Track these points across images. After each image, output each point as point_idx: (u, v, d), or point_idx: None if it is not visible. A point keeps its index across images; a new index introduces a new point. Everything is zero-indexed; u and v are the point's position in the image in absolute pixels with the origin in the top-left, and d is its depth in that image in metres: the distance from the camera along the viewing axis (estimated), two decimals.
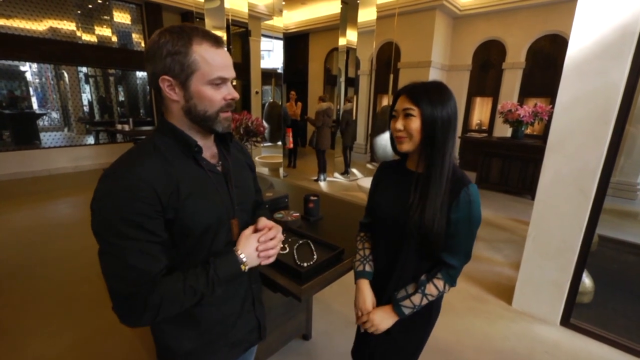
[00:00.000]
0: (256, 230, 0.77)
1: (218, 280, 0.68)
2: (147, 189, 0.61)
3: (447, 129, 0.81)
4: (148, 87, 6.50)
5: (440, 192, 0.82)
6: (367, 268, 0.98)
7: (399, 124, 0.84)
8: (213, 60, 0.64)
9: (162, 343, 0.76)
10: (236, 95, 0.70)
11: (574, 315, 2.03)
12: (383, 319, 0.91)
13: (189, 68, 0.63)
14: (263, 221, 0.78)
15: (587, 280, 2.15)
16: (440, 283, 0.88)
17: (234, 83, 6.02)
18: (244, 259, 0.71)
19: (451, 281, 0.88)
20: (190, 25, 0.65)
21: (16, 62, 5.25)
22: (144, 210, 0.60)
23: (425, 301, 0.88)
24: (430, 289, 0.87)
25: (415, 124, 0.81)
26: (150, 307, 0.62)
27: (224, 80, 0.67)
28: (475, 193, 0.84)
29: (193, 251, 0.70)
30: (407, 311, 0.88)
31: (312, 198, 1.43)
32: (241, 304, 0.82)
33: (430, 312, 0.97)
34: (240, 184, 0.80)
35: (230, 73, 0.68)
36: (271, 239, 0.75)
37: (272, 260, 0.77)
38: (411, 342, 0.99)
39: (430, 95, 0.81)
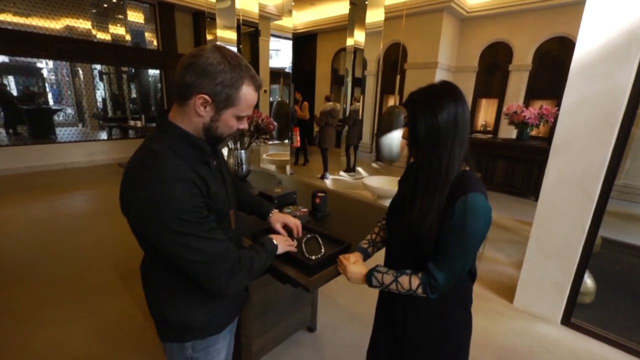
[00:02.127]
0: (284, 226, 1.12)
1: (265, 252, 0.89)
2: (196, 187, 0.71)
3: (435, 137, 0.79)
4: (159, 85, 6.62)
5: (426, 195, 0.81)
6: (369, 249, 1.05)
7: (404, 132, 0.89)
8: (250, 102, 0.76)
9: (180, 324, 0.83)
10: (247, 127, 0.85)
11: (575, 314, 2.06)
12: (354, 273, 0.95)
13: (232, 102, 0.73)
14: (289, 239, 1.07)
15: (588, 281, 2.17)
16: (415, 282, 0.84)
17: None
18: (277, 245, 0.97)
19: (429, 290, 0.82)
20: (245, 63, 0.74)
21: (34, 59, 5.41)
22: (200, 202, 0.71)
23: (393, 287, 0.87)
24: (403, 280, 0.86)
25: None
26: (247, 266, 0.79)
27: (247, 116, 0.79)
28: (476, 203, 0.75)
29: None
30: (374, 282, 0.91)
31: (319, 194, 1.47)
32: None
33: (446, 330, 0.92)
34: (228, 178, 0.92)
35: (251, 111, 0.80)
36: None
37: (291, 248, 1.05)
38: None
39: (415, 105, 0.81)
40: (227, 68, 0.69)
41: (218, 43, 0.71)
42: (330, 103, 5.57)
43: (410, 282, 0.85)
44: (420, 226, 0.81)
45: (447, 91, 0.80)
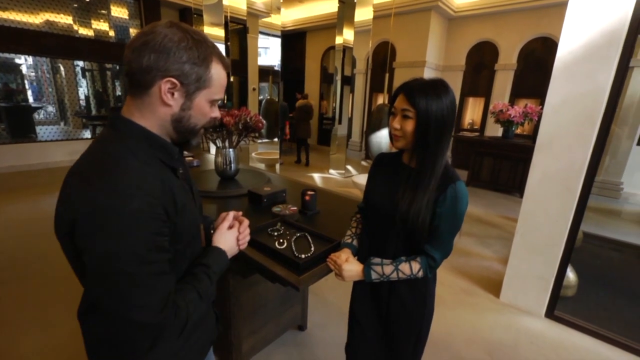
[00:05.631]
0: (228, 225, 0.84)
1: (215, 278, 0.72)
2: (157, 203, 0.56)
3: (441, 130, 0.83)
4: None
5: (428, 190, 0.85)
6: (355, 243, 1.07)
7: (396, 123, 0.86)
8: (222, 82, 0.66)
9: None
10: (220, 116, 0.74)
11: (558, 307, 2.12)
12: (351, 271, 0.96)
13: (204, 83, 0.62)
14: (230, 215, 0.84)
15: (571, 275, 2.24)
16: (416, 266, 0.90)
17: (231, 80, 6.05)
18: (227, 252, 0.78)
19: (428, 271, 0.91)
20: (210, 40, 0.64)
21: (12, 55, 5.20)
22: (160, 228, 0.57)
23: (394, 275, 0.91)
24: (404, 267, 0.91)
25: (410, 126, 0.84)
26: (182, 319, 0.62)
27: (218, 101, 0.69)
28: (462, 190, 0.86)
29: (180, 258, 0.68)
30: (374, 275, 0.93)
31: (309, 192, 1.47)
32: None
33: (424, 302, 0.99)
34: (195, 188, 0.80)
35: (223, 95, 0.70)
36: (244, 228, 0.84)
37: (246, 245, 0.85)
38: (408, 333, 1.01)
39: (428, 96, 0.81)
40: (192, 44, 0.59)
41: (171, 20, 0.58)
42: (304, 100, 6.30)
43: (411, 267, 0.91)
44: (416, 220, 0.85)
45: (444, 85, 0.84)
